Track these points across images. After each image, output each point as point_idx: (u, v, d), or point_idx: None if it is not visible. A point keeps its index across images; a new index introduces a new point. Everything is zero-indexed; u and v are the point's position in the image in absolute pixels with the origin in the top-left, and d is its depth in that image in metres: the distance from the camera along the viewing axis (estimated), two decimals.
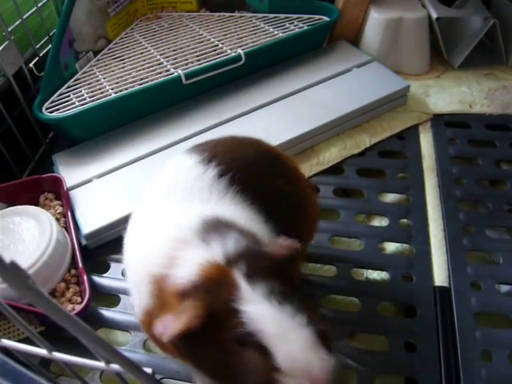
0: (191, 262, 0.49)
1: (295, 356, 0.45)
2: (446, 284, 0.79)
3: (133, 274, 0.58)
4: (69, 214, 0.86)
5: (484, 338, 0.71)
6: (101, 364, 0.41)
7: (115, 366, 0.40)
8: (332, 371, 0.46)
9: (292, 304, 0.46)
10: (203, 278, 0.48)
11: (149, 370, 0.38)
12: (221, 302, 0.46)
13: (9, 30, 0.97)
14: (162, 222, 0.57)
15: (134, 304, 0.59)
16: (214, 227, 0.52)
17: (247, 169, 0.62)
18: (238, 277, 0.47)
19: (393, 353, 0.71)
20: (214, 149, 0.64)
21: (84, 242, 0.86)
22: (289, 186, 0.66)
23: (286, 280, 0.49)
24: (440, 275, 0.80)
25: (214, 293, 0.47)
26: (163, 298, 0.51)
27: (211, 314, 0.45)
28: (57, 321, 0.30)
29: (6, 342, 0.39)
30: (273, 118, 1.06)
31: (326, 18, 1.24)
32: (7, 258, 0.25)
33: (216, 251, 0.49)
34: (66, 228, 0.86)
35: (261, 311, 0.45)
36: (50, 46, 1.10)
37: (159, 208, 0.60)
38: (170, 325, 0.45)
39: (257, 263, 0.48)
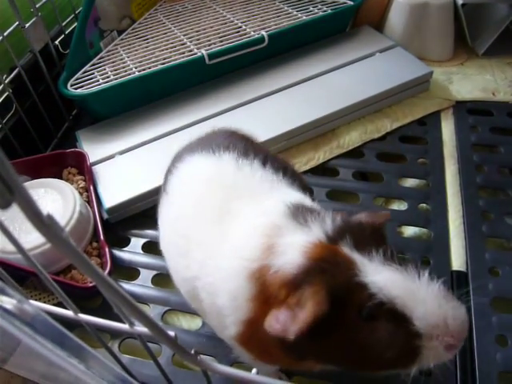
0: (294, 247, 0.47)
1: (432, 313, 0.43)
2: (463, 269, 0.79)
3: (214, 289, 0.52)
4: (91, 188, 0.88)
5: (500, 323, 0.72)
6: (125, 326, 0.42)
7: (139, 329, 0.41)
8: (467, 318, 0.45)
9: (407, 263, 0.45)
10: (313, 260, 0.45)
11: (172, 334, 0.39)
12: (341, 280, 0.44)
13: (36, 6, 0.99)
14: (243, 220, 0.54)
15: (217, 326, 0.56)
16: (299, 209, 0.51)
17: (269, 155, 0.62)
18: (349, 251, 0.45)
19: None
20: (241, 143, 0.63)
21: (105, 216, 0.88)
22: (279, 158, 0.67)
23: (387, 245, 0.47)
24: (457, 260, 0.80)
25: (330, 272, 0.44)
26: (266, 294, 0.47)
27: (334, 296, 0.43)
28: (88, 276, 0.31)
29: (37, 304, 0.41)
30: (294, 100, 1.06)
31: (350, 2, 1.23)
32: (45, 212, 0.26)
33: (316, 231, 0.47)
34: (89, 202, 0.88)
35: (387, 278, 0.43)
36: (76, 23, 1.11)
37: (225, 208, 0.55)
38: (291, 319, 0.43)
39: (360, 234, 0.46)
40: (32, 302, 0.43)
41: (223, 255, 0.52)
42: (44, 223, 0.25)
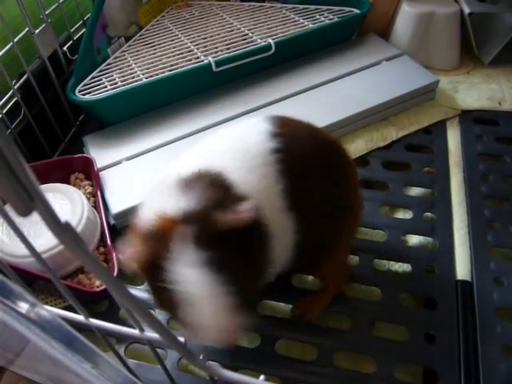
0: (156, 209, 0.52)
1: (204, 316, 0.50)
2: (468, 278, 0.79)
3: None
4: (98, 193, 0.89)
5: (505, 333, 0.72)
6: (135, 331, 0.42)
7: (149, 334, 0.42)
8: (232, 332, 0.51)
9: (217, 273, 0.48)
10: (154, 228, 0.51)
11: (182, 339, 0.39)
12: (158, 255, 0.49)
13: (46, 13, 1.00)
14: (180, 162, 0.60)
15: None
16: (198, 181, 0.54)
17: (301, 157, 0.61)
18: (183, 236, 0.49)
19: (412, 343, 0.72)
20: (284, 125, 0.63)
21: (112, 221, 0.88)
22: (334, 188, 0.64)
23: (232, 248, 0.50)
24: (462, 269, 0.80)
25: (156, 244, 0.50)
26: (136, 227, 0.55)
27: (151, 262, 0.50)
28: (102, 282, 0.32)
29: (50, 308, 0.41)
30: (300, 108, 1.06)
31: (356, 11, 1.24)
32: (62, 219, 0.27)
33: (178, 205, 0.51)
34: (96, 207, 0.88)
35: (184, 272, 0.48)
36: (84, 30, 1.12)
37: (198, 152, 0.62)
38: (129, 258, 0.51)
39: (206, 227, 0.49)
40: (45, 306, 0.43)
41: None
42: (62, 230, 0.26)
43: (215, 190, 0.53)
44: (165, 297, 0.51)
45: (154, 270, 0.50)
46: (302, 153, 0.61)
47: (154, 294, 0.56)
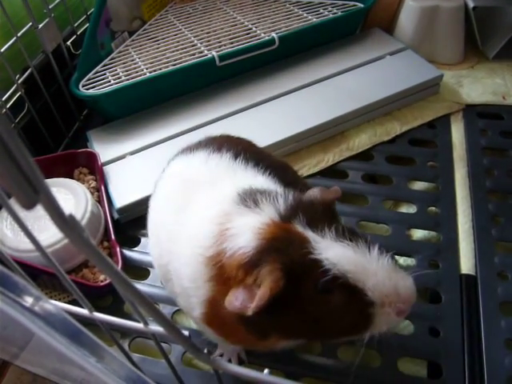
0: (246, 229, 0.48)
1: (383, 283, 0.46)
2: (472, 272, 0.79)
3: (179, 273, 0.56)
4: (102, 188, 0.89)
5: (508, 327, 0.72)
6: (139, 325, 0.42)
7: (153, 328, 0.42)
8: (414, 285, 0.49)
9: (359, 238, 0.48)
10: (266, 239, 0.47)
11: (186, 333, 0.39)
12: (296, 257, 0.46)
13: (49, 7, 0.99)
14: (199, 209, 0.56)
15: (186, 305, 0.58)
16: (254, 194, 0.53)
17: (251, 149, 0.65)
18: (302, 228, 0.47)
19: (417, 337, 0.72)
20: (215, 142, 0.65)
21: (116, 215, 0.88)
22: (275, 157, 0.69)
23: (338, 221, 0.50)
24: (466, 263, 0.80)
25: (285, 251, 0.46)
26: (225, 276, 0.49)
27: (290, 273, 0.45)
28: (107, 275, 0.32)
29: (55, 302, 0.41)
30: (304, 102, 1.06)
31: (360, 5, 1.23)
32: (66, 212, 0.27)
33: (268, 211, 0.49)
34: (100, 202, 0.89)
35: (339, 254, 0.46)
36: (88, 24, 1.12)
37: (187, 199, 0.58)
38: (249, 297, 0.45)
39: (312, 212, 0.48)
40: (49, 300, 0.43)
41: (183, 243, 0.55)
42: (67, 223, 0.26)
43: (272, 193, 0.53)
44: (318, 308, 0.47)
45: (294, 284, 0.46)
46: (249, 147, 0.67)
47: (292, 323, 0.49)
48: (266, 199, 0.50)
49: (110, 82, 1.04)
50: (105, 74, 1.07)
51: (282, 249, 0.46)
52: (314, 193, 0.52)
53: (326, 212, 0.49)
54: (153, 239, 0.64)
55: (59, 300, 0.80)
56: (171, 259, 0.57)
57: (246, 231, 0.48)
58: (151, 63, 1.09)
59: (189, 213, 0.56)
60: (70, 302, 0.78)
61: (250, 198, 0.52)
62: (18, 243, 0.76)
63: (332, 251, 0.45)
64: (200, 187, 0.58)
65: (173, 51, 1.13)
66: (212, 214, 0.53)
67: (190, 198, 0.58)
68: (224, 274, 0.49)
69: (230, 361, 0.70)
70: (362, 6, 1.23)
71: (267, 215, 0.49)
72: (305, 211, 0.48)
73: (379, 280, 0.46)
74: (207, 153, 0.62)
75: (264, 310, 0.44)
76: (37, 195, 0.23)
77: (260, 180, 0.58)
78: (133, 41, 1.20)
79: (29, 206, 0.24)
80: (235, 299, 0.45)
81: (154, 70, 1.06)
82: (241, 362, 0.70)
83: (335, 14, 1.21)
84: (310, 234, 0.46)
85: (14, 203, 0.26)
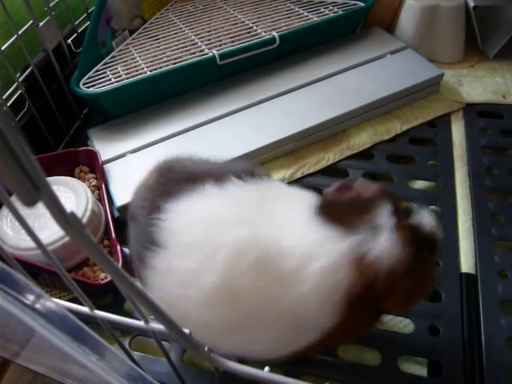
0: (343, 257, 0.49)
1: None
2: (472, 271, 0.79)
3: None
4: (103, 186, 0.89)
5: (509, 325, 0.72)
6: (140, 323, 0.43)
7: (154, 326, 0.42)
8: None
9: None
10: (409, 240, 0.50)
11: (187, 331, 0.39)
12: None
13: (50, 5, 0.99)
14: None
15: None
16: (328, 207, 0.54)
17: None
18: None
19: (417, 336, 0.72)
20: (222, 170, 0.61)
21: (117, 214, 0.88)
22: None
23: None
24: (467, 262, 0.80)
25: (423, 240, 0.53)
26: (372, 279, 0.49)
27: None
28: (108, 273, 0.32)
29: (56, 300, 0.41)
30: (304, 101, 1.06)
31: (361, 4, 1.23)
32: (68, 209, 0.27)
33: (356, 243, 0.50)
34: (100, 200, 0.89)
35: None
36: (89, 22, 1.12)
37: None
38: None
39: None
40: (50, 297, 0.43)
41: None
42: (68, 221, 0.26)
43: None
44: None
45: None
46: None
47: None
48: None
49: (110, 80, 1.04)
50: (105, 73, 1.07)
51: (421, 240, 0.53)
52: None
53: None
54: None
55: (60, 298, 0.79)
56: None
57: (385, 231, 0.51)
58: (152, 62, 1.09)
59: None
60: (70, 300, 0.78)
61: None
62: (18, 241, 0.76)
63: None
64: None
65: (173, 50, 1.13)
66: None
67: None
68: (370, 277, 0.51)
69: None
70: (363, 4, 1.22)
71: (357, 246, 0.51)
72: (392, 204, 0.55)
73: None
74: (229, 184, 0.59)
75: None
76: (38, 192, 0.24)
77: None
78: (133, 39, 1.20)
79: (30, 203, 0.24)
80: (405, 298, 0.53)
81: (155, 69, 1.06)
82: (241, 360, 0.70)
83: (336, 12, 1.21)
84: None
85: (15, 200, 0.26)
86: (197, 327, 0.43)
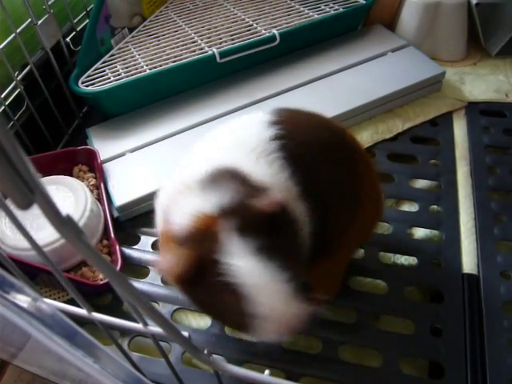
0: (187, 211, 0.52)
1: (270, 305, 0.48)
2: (474, 272, 0.78)
3: (160, 197, 0.61)
4: (102, 186, 0.88)
5: (511, 326, 0.71)
6: (138, 326, 0.42)
7: (153, 329, 0.41)
8: (302, 317, 0.49)
9: (275, 258, 0.48)
10: (195, 228, 0.50)
11: (186, 334, 0.39)
12: (207, 252, 0.48)
13: (49, 3, 0.99)
14: (190, 163, 0.60)
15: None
16: (221, 178, 0.54)
17: (305, 144, 0.60)
18: (228, 230, 0.49)
19: (418, 337, 0.71)
20: (285, 114, 0.63)
21: (116, 213, 0.88)
22: (338, 176, 0.62)
23: (276, 235, 0.50)
24: (469, 263, 0.79)
25: (202, 243, 0.49)
26: (168, 235, 0.54)
27: (200, 263, 0.48)
28: (105, 276, 0.31)
29: (52, 302, 0.41)
30: (304, 99, 1.05)
31: (361, 1, 1.22)
32: (64, 212, 0.26)
33: (211, 202, 0.51)
34: (99, 200, 0.88)
35: (242, 264, 0.48)
36: (87, 21, 1.11)
37: (205, 151, 0.62)
38: (169, 267, 0.49)
39: (248, 218, 0.49)
40: (46, 300, 0.43)
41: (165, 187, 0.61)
42: (63, 223, 0.25)
43: (238, 183, 0.53)
44: (217, 299, 0.50)
45: (200, 272, 0.49)
46: (304, 139, 0.61)
47: (200, 301, 0.55)
48: (218, 189, 0.52)
49: (109, 78, 1.04)
50: (104, 71, 1.07)
51: (200, 241, 0.50)
52: (258, 200, 0.51)
53: (263, 222, 0.49)
54: None
55: (59, 298, 0.79)
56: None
57: (186, 213, 0.52)
58: (151, 60, 1.08)
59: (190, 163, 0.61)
60: (69, 300, 0.78)
61: (210, 182, 0.54)
62: (16, 241, 0.75)
63: (236, 259, 0.48)
64: (222, 147, 0.61)
65: (173, 48, 1.12)
66: (179, 181, 0.57)
67: (207, 152, 0.62)
68: (167, 234, 0.55)
69: (232, 361, 0.69)
70: (364, 2, 1.22)
71: (209, 205, 0.51)
72: (241, 215, 0.50)
73: (266, 301, 0.48)
74: (264, 119, 0.62)
75: (177, 282, 0.51)
76: (32, 195, 0.23)
77: (265, 172, 0.57)
78: (133, 37, 1.19)
79: (24, 206, 0.23)
80: (163, 261, 0.50)
81: (154, 67, 1.05)
82: (241, 363, 0.70)
83: (337, 10, 1.20)
84: (230, 238, 0.48)
85: (10, 202, 0.25)
86: None
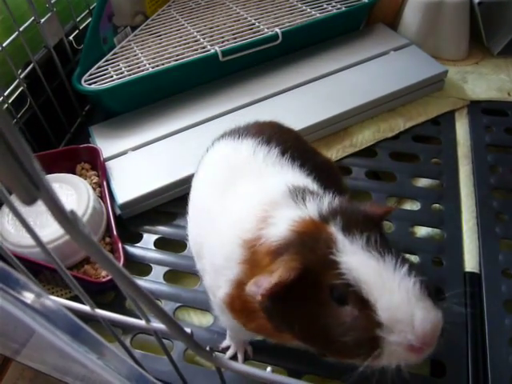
0: (284, 220, 0.49)
1: (398, 306, 0.42)
2: (476, 270, 0.78)
3: (214, 251, 0.57)
4: (104, 184, 0.88)
5: None
6: (141, 322, 0.42)
7: (156, 325, 0.41)
8: (439, 324, 0.44)
9: (392, 255, 0.44)
10: (298, 233, 0.47)
11: (188, 330, 0.39)
12: (317, 254, 0.45)
13: (52, 2, 0.99)
14: (245, 195, 0.57)
15: (212, 286, 0.59)
16: (303, 191, 0.53)
17: (298, 146, 0.66)
18: (335, 230, 0.46)
19: None
20: (265, 131, 0.66)
21: (118, 211, 0.88)
22: (320, 157, 0.71)
23: (381, 236, 0.47)
24: (470, 261, 0.79)
25: (309, 246, 0.46)
26: (255, 260, 0.50)
27: (307, 268, 0.44)
28: (108, 272, 0.31)
29: (56, 299, 0.41)
30: (307, 98, 1.06)
31: (364, 0, 1.22)
32: (68, 208, 0.26)
33: (310, 209, 0.50)
34: (102, 197, 0.88)
35: (360, 261, 0.44)
36: (90, 19, 1.12)
37: (232, 184, 0.60)
38: (264, 282, 0.44)
39: (352, 218, 0.47)
40: (51, 296, 0.43)
41: (223, 223, 0.56)
42: (68, 219, 0.25)
43: (318, 192, 0.54)
44: (328, 313, 0.45)
45: (311, 278, 0.45)
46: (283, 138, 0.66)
47: (297, 321, 0.47)
48: (314, 198, 0.51)
49: (112, 77, 1.04)
50: (107, 69, 1.07)
51: (306, 244, 0.46)
52: (363, 205, 0.51)
53: (367, 223, 0.47)
54: (192, 217, 0.66)
55: (61, 296, 0.79)
56: (209, 237, 0.59)
57: (283, 222, 0.49)
58: (154, 58, 1.08)
59: (232, 197, 0.58)
60: (72, 298, 0.78)
61: (299, 194, 0.52)
62: (19, 239, 0.76)
63: (352, 257, 0.44)
64: (246, 175, 0.60)
65: (175, 46, 1.12)
66: (258, 201, 0.54)
67: (235, 184, 0.59)
68: (256, 259, 0.50)
69: (234, 357, 0.69)
70: (366, 1, 1.22)
71: (307, 212, 0.49)
72: (345, 216, 0.47)
73: (394, 300, 0.42)
74: (256, 143, 0.63)
75: (275, 298, 0.45)
76: (37, 191, 0.23)
77: (305, 180, 0.59)
78: (135, 36, 1.19)
79: (29, 201, 0.23)
80: (254, 284, 0.46)
81: (157, 66, 1.06)
82: (245, 358, 0.70)
83: (339, 9, 1.20)
84: (339, 237, 0.45)
85: (14, 199, 0.26)
86: None
